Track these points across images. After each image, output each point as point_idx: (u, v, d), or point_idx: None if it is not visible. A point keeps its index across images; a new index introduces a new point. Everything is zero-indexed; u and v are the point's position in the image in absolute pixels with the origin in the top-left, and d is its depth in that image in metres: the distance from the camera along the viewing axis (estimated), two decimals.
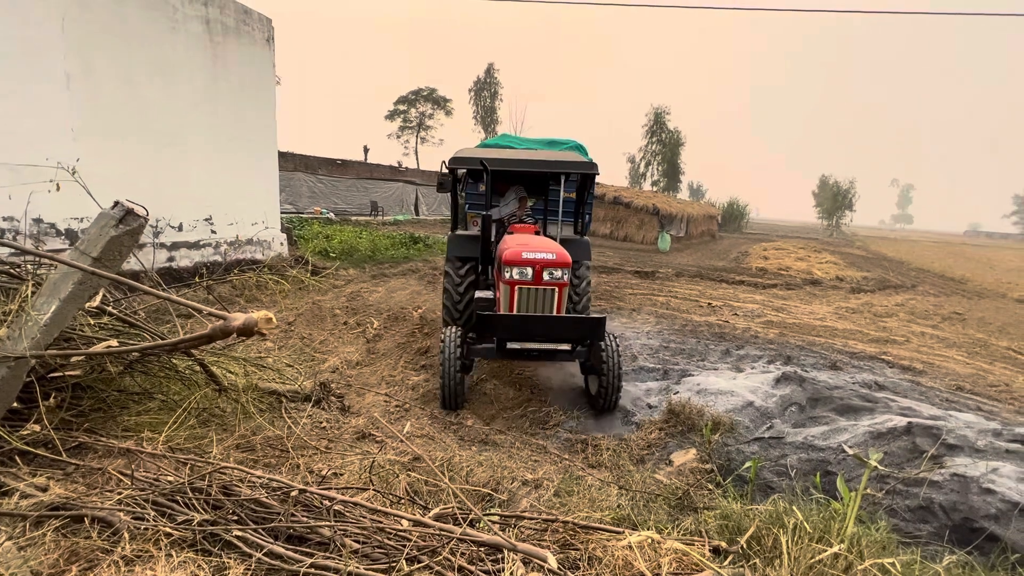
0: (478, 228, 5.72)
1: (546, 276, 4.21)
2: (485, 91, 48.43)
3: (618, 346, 4.19)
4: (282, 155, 20.43)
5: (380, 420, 3.75)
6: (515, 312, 4.26)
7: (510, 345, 4.12)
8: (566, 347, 4.26)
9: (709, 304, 9.58)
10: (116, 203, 2.04)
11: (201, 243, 7.98)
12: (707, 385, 4.66)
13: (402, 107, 46.43)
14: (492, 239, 5.10)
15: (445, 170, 5.27)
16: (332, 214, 21.68)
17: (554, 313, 4.28)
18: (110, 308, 2.62)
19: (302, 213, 20.88)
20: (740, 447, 3.54)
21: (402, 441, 3.49)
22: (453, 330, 4.21)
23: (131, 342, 2.58)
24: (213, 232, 8.18)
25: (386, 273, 10.20)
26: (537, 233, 5.37)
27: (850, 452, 2.06)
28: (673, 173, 46.59)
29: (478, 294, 5.14)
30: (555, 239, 5.22)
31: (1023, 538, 2.19)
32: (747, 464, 3.10)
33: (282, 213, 12.98)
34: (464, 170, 5.78)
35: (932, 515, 2.45)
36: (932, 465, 2.64)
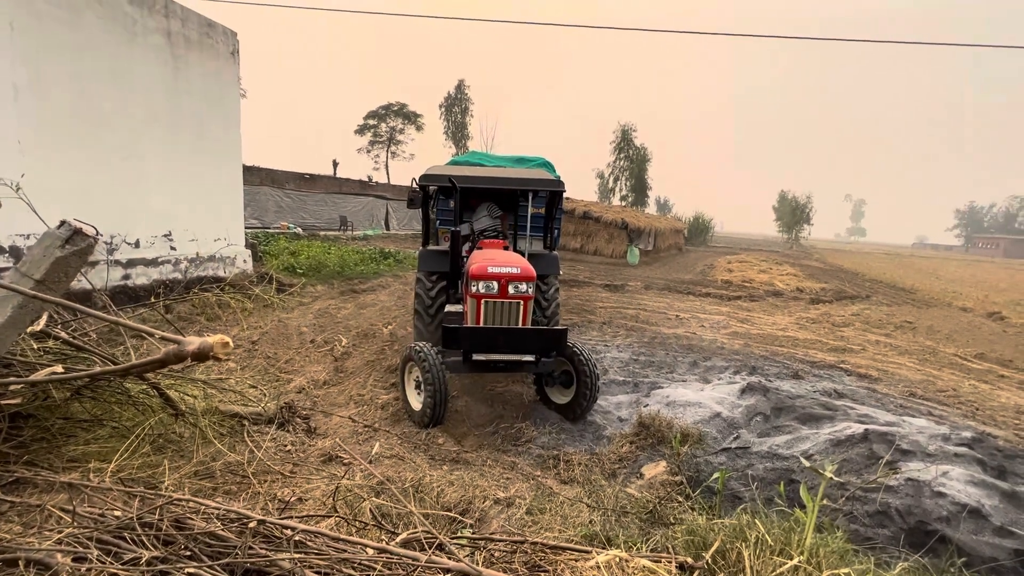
0: (448, 243, 5.69)
1: (511, 290, 4.31)
2: (456, 107, 48.75)
3: (591, 356, 4.42)
4: (248, 169, 20.02)
5: (345, 442, 3.65)
6: (482, 325, 4.33)
7: (476, 357, 4.24)
8: (530, 358, 4.38)
9: (677, 316, 9.77)
10: (63, 222, 1.94)
11: (160, 260, 7.67)
12: (676, 397, 4.72)
13: (372, 122, 46.21)
14: (461, 254, 5.18)
15: (416, 187, 5.34)
16: (300, 229, 21.25)
17: (519, 325, 4.36)
18: (56, 331, 2.47)
19: (268, 228, 20.39)
20: (708, 458, 3.59)
21: (370, 463, 3.40)
22: (428, 346, 4.24)
23: (78, 367, 2.44)
24: (173, 248, 7.88)
25: (356, 289, 10.03)
26: (506, 248, 5.42)
27: (806, 464, 2.11)
28: (641, 188, 47.67)
29: (448, 308, 5.23)
30: (524, 254, 5.36)
31: (971, 539, 2.28)
32: (715, 475, 3.14)
33: (247, 228, 12.62)
34: (434, 187, 5.86)
35: (889, 519, 2.53)
36: (888, 471, 2.73)
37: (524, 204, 6.16)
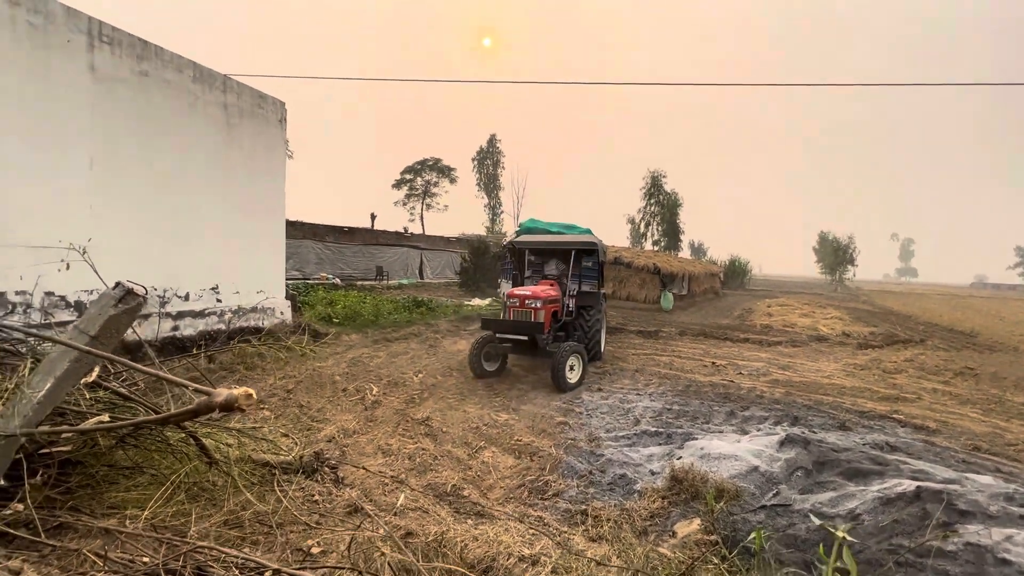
0: (502, 289, 11.94)
1: (526, 303, 7.41)
2: (488, 160, 50.74)
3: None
4: (291, 224, 21.24)
5: (371, 493, 3.66)
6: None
7: (499, 335, 7.39)
8: (523, 338, 7.15)
9: (713, 363, 9.47)
10: (117, 283, 2.14)
11: (206, 312, 8.12)
12: (711, 449, 4.53)
13: (408, 176, 48.47)
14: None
15: (506, 248, 9.47)
16: (338, 280, 22.09)
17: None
18: (108, 382, 2.66)
19: (308, 279, 21.29)
20: (745, 516, 3.39)
21: (394, 515, 3.39)
22: (475, 342, 7.60)
23: (123, 416, 2.60)
24: (219, 301, 8.34)
25: (388, 338, 10.24)
26: (552, 285, 8.47)
27: (816, 522, 1.99)
28: (673, 233, 47.46)
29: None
30: (574, 292, 8.56)
31: None
32: (752, 535, 2.97)
33: (289, 279, 13.25)
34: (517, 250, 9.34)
35: None
36: (943, 532, 2.52)
37: (579, 260, 9.07)
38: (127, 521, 2.29)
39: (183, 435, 3.16)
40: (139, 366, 2.16)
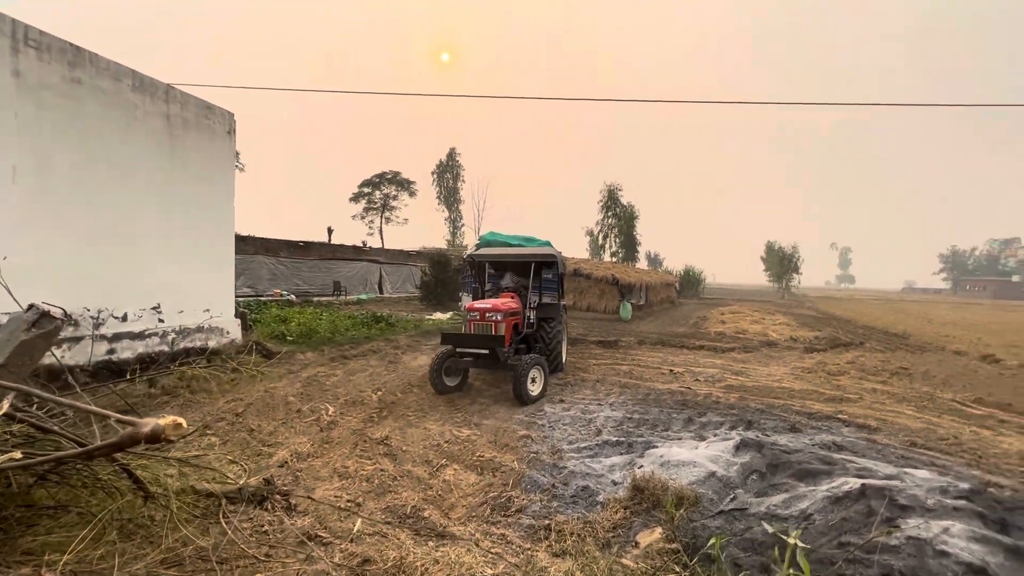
0: (464, 301, 11.99)
1: (487, 317, 7.31)
2: (448, 173, 50.68)
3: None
4: (242, 239, 20.39)
5: (326, 519, 3.48)
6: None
7: (460, 349, 7.20)
8: (484, 351, 6.99)
9: (671, 371, 9.67)
10: (31, 305, 1.96)
11: (146, 333, 7.62)
12: (670, 456, 4.58)
13: (367, 189, 47.69)
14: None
15: (466, 261, 9.27)
16: (292, 296, 21.33)
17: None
18: (23, 413, 2.42)
19: (261, 296, 20.46)
20: (705, 522, 3.44)
21: (351, 542, 3.23)
22: (437, 356, 7.41)
23: (42, 451, 2.36)
24: (161, 321, 7.86)
25: (346, 355, 9.92)
26: (512, 298, 8.35)
27: (769, 529, 2.03)
28: (630, 244, 48.64)
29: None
30: (535, 304, 8.69)
31: None
32: (711, 541, 3.00)
33: (239, 296, 12.66)
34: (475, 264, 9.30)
35: None
36: (887, 529, 2.62)
37: (539, 271, 9.16)
38: (44, 569, 2.07)
39: (115, 468, 2.91)
40: (48, 395, 1.96)
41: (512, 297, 8.47)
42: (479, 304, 7.49)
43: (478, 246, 10.67)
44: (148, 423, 1.70)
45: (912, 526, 2.61)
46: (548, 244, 10.13)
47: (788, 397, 7.76)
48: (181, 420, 1.67)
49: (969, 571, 2.27)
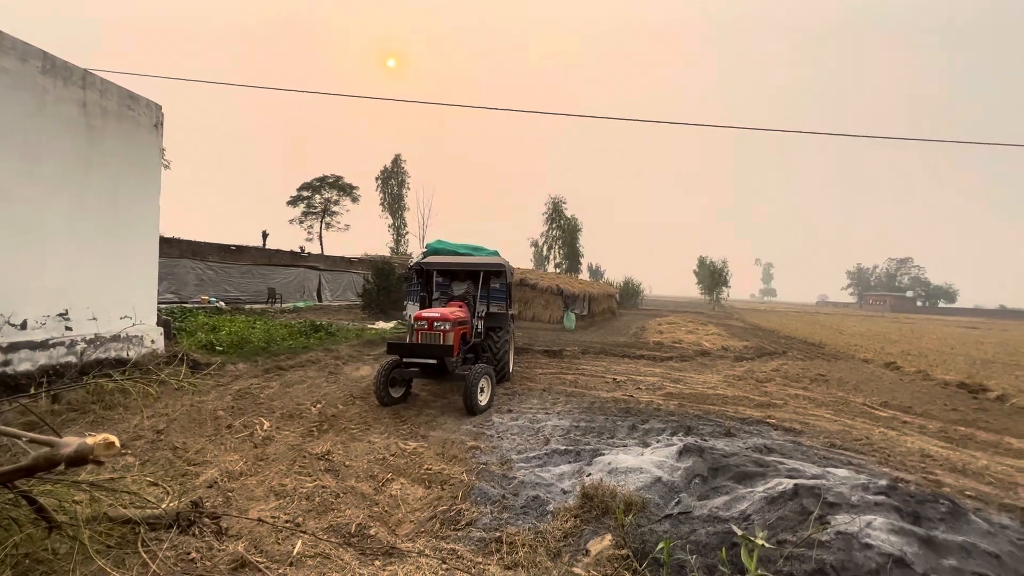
0: (408, 312, 11.64)
1: (435, 327, 7.14)
2: (392, 179, 49.74)
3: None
4: (167, 241, 18.91)
5: (262, 542, 3.25)
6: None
7: (406, 360, 6.95)
8: (432, 361, 6.79)
9: (614, 379, 9.92)
10: None
11: (51, 342, 6.85)
12: (617, 463, 4.68)
13: (306, 193, 45.80)
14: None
15: (410, 269, 8.94)
16: (221, 303, 20.01)
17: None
18: None
19: (186, 303, 19.03)
20: (652, 527, 3.52)
21: (290, 566, 3.03)
22: (382, 367, 7.08)
23: None
24: (68, 329, 7.09)
25: (282, 366, 9.39)
26: (460, 307, 8.21)
27: (739, 533, 2.12)
28: (574, 256, 49.81)
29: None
30: (483, 313, 8.68)
31: None
32: (660, 545, 3.08)
33: (163, 303, 11.68)
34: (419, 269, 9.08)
35: None
36: (818, 526, 2.80)
37: (487, 280, 9.27)
38: None
39: (12, 496, 2.55)
40: None
41: (460, 306, 8.33)
42: (427, 313, 7.29)
43: (425, 254, 10.48)
44: (71, 442, 1.49)
45: (840, 522, 2.80)
46: (496, 253, 10.16)
47: (722, 403, 8.17)
48: (113, 438, 1.48)
49: (890, 561, 2.46)
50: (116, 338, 7.67)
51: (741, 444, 5.68)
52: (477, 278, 8.92)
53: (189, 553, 3.09)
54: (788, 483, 3.45)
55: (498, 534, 3.63)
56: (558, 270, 48.15)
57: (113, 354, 7.62)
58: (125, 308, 7.91)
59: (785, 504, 3.25)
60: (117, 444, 1.53)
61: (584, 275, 55.99)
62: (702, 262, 70.84)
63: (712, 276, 65.73)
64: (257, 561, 3.09)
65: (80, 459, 1.47)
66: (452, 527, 3.80)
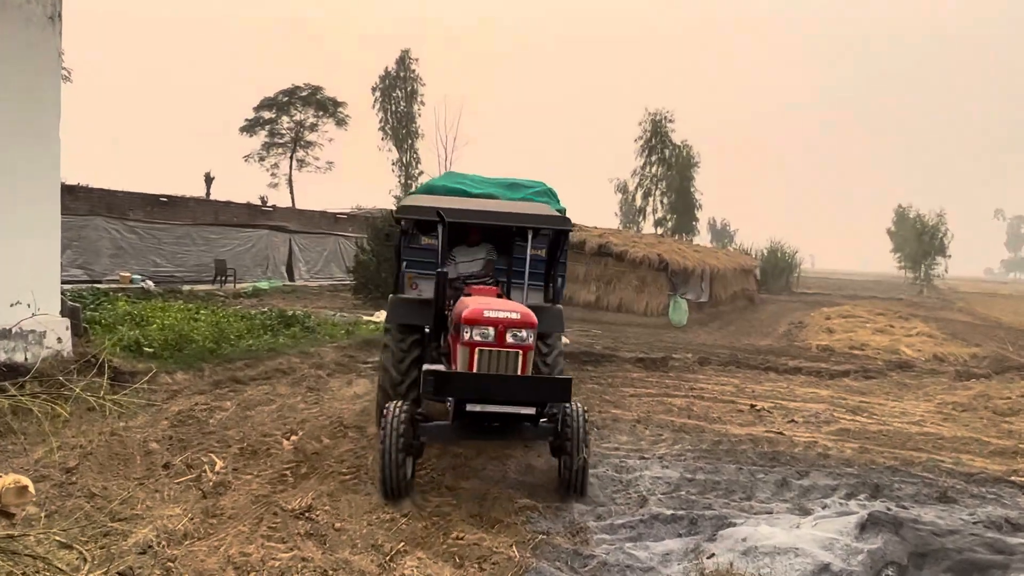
0: (417, 292, 8.66)
1: (510, 338, 5.74)
2: (398, 90, 50.25)
3: (582, 410, 5.98)
4: (70, 191, 20.21)
5: None
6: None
7: (470, 407, 5.53)
8: (529, 410, 5.66)
9: (752, 407, 9.79)
10: None
11: None
12: (758, 540, 4.66)
13: (268, 114, 47.16)
14: (445, 302, 6.70)
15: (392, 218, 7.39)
16: (149, 282, 21.18)
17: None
18: None
19: (99, 281, 20.28)
20: None
21: None
22: (398, 404, 5.70)
23: None
24: None
25: (239, 377, 9.88)
26: (499, 296, 7.01)
27: None
28: (686, 207, 49.05)
29: (427, 367, 6.65)
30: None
31: None
32: None
33: (67, 283, 12.51)
34: (411, 222, 7.72)
35: None
36: None
37: (521, 244, 7.71)
38: None
39: None
40: None
41: (498, 294, 7.18)
42: (496, 309, 5.91)
43: (416, 194, 9.60)
44: None
45: None
46: (549, 193, 8.74)
47: (934, 448, 7.91)
48: (26, 480, 1.64)
49: None
50: (6, 334, 8.31)
51: (966, 516, 5.49)
52: (509, 240, 8.10)
53: None
54: None
55: None
56: (660, 230, 47.51)
57: (3, 357, 8.27)
58: (15, 290, 8.50)
59: None
60: (31, 489, 1.68)
61: (703, 238, 55.01)
62: (901, 216, 67.75)
63: (919, 239, 62.71)
64: None
65: None
66: None
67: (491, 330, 5.72)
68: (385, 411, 5.68)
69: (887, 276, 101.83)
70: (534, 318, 5.91)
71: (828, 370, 13.47)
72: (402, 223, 7.74)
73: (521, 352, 5.81)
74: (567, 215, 7.74)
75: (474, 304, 6.01)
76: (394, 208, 7.72)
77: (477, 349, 5.71)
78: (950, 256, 63.32)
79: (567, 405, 5.90)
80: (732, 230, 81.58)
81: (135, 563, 4.33)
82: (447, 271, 6.81)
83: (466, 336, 5.73)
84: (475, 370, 5.73)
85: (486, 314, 5.75)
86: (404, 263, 8.47)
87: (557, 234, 7.69)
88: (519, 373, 5.82)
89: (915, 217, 64.55)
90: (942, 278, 66.51)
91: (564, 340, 8.41)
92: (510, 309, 5.95)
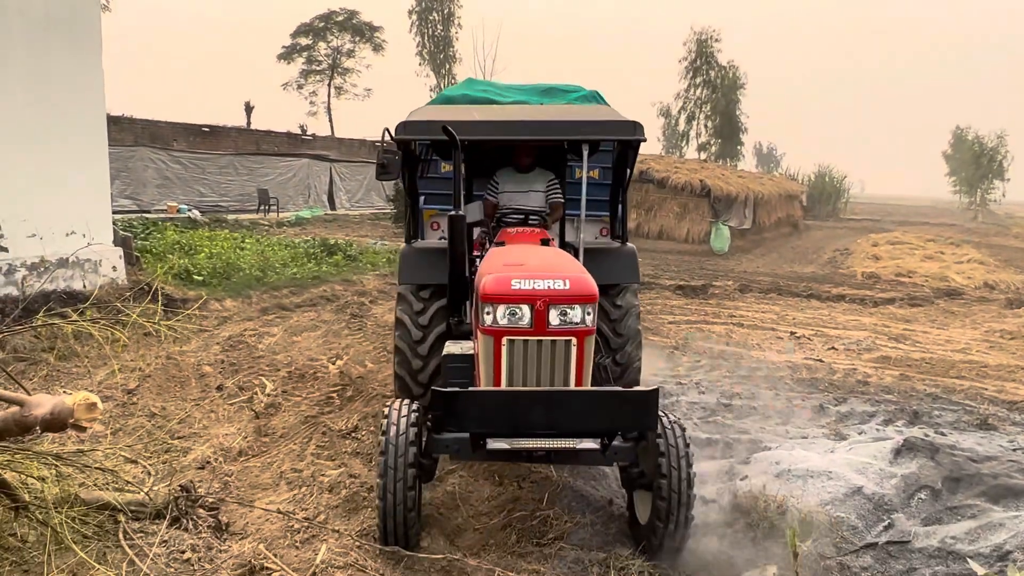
0: (442, 236, 6.24)
1: (555, 320, 3.83)
2: (434, 13, 49.08)
3: (683, 432, 3.91)
4: (114, 122, 20.40)
5: (274, 545, 3.71)
6: (502, 382, 3.92)
7: (493, 444, 3.77)
8: (592, 444, 3.81)
9: (792, 334, 9.75)
10: None
11: None
12: (791, 463, 4.73)
13: (305, 40, 46.71)
14: (467, 254, 4.82)
15: (389, 141, 4.84)
16: (197, 212, 21.59)
17: (570, 383, 3.93)
18: None
19: (148, 211, 20.75)
20: (844, 559, 3.59)
21: None
22: (403, 406, 3.92)
23: None
24: (3, 250, 8.06)
25: (284, 304, 10.17)
26: (545, 243, 5.15)
27: (980, 573, 2.13)
28: (731, 131, 47.60)
29: (449, 348, 4.70)
30: (577, 251, 5.19)
31: None
32: None
33: (116, 213, 12.85)
34: (425, 143, 5.90)
35: None
36: None
37: (572, 166, 6.30)
38: None
39: None
40: None
41: (545, 239, 5.31)
42: (533, 275, 3.94)
43: (428, 106, 6.52)
44: (43, 402, 1.80)
45: None
46: (596, 97, 6.34)
47: (978, 377, 7.82)
48: (95, 398, 1.77)
49: None
50: (64, 263, 8.63)
51: (1005, 443, 5.48)
52: (560, 158, 6.20)
53: (183, 552, 3.63)
54: None
55: (602, 555, 3.87)
56: (704, 155, 46.41)
57: (62, 284, 8.62)
58: (71, 221, 8.79)
59: None
60: (100, 406, 1.82)
61: (747, 163, 53.53)
62: (959, 139, 64.71)
63: (976, 161, 60.11)
64: (269, 568, 3.56)
65: (58, 424, 1.78)
66: (534, 541, 4.10)
67: (525, 309, 3.82)
68: (386, 414, 3.87)
69: (941, 201, 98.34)
70: (593, 286, 3.94)
71: (872, 298, 13.26)
72: (412, 146, 5.62)
73: (575, 341, 3.89)
74: (629, 119, 5.11)
75: (498, 267, 4.17)
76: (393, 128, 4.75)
77: (504, 340, 3.87)
78: (1009, 180, 60.82)
79: (664, 434, 3.79)
80: (779, 155, 79.19)
81: (195, 477, 4.61)
82: (464, 214, 4.62)
83: (487, 319, 3.90)
84: (502, 372, 3.91)
85: (515, 285, 3.83)
86: (422, 198, 6.45)
87: (624, 147, 5.59)
88: (571, 375, 3.94)
89: (974, 139, 61.71)
90: (999, 203, 64.09)
91: None
92: (555, 272, 3.97)
